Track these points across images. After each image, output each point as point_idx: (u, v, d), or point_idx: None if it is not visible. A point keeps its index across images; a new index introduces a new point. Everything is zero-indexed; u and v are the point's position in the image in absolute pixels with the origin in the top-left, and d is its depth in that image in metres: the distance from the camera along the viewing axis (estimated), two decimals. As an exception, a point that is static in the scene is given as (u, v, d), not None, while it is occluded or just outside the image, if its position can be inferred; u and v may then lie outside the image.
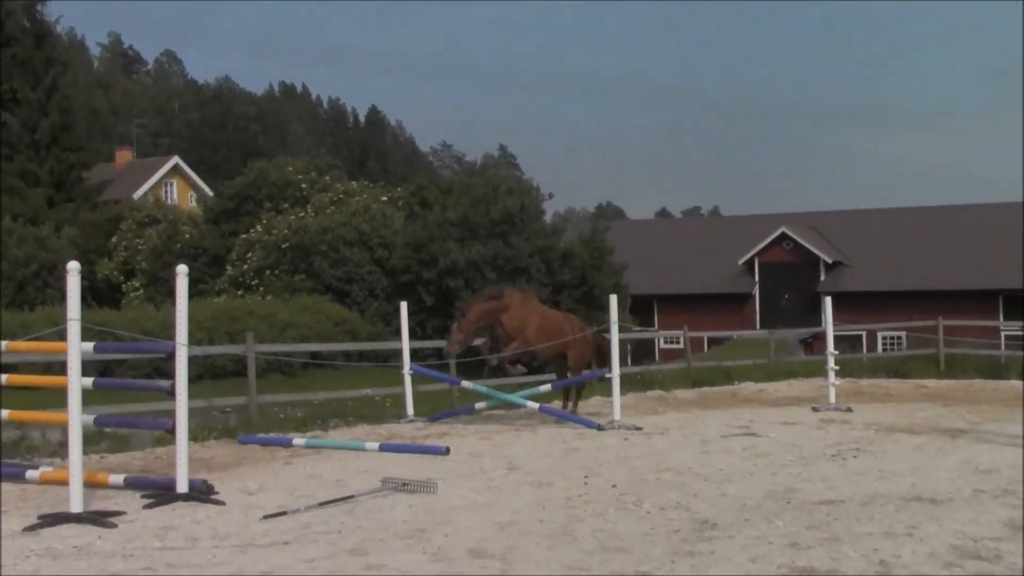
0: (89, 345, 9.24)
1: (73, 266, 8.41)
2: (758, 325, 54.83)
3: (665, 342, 52.12)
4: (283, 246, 38.30)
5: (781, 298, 57.70)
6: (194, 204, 57.95)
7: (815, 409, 15.68)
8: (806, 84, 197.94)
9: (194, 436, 11.89)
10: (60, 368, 8.91)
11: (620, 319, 14.81)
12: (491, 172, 52.89)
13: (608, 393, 14.71)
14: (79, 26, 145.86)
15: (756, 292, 58.73)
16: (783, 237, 58.12)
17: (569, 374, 15.40)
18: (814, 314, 52.57)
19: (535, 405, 14.58)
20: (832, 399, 16.02)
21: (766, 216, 63.61)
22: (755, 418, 14.65)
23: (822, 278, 57.21)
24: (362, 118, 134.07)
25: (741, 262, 58.81)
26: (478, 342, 15.23)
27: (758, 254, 58.71)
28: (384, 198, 42.40)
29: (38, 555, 7.08)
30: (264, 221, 40.06)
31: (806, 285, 57.27)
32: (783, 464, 10.40)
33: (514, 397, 14.93)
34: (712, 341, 45.42)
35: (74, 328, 8.37)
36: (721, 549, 6.89)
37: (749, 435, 12.66)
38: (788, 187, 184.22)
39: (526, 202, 37.87)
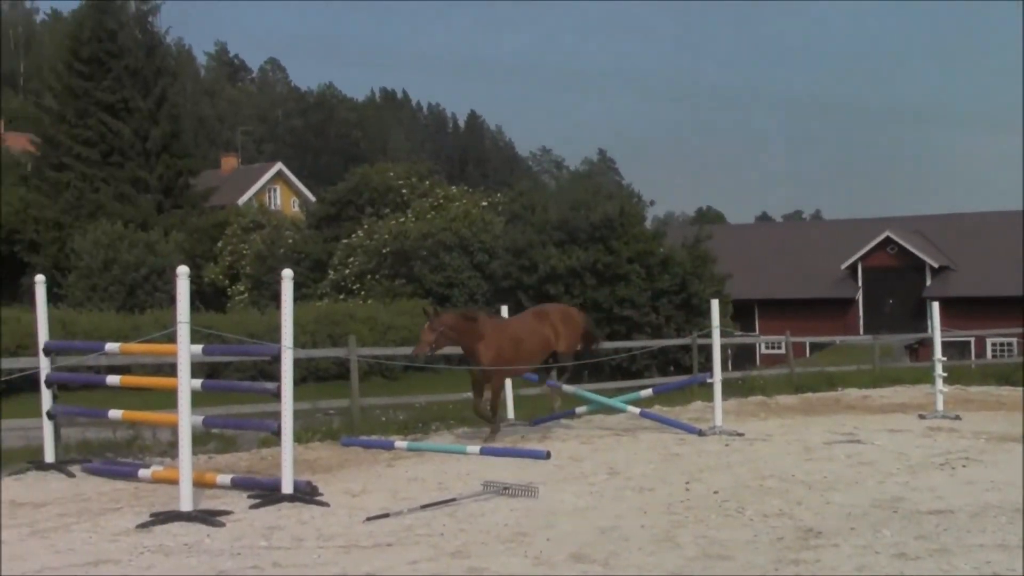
0: (198, 347, 9.45)
1: (182, 270, 8.61)
2: (861, 331, 53.81)
3: (766, 347, 51.46)
4: (384, 251, 38.71)
5: (885, 303, 56.58)
6: (297, 209, 58.88)
7: (922, 416, 15.34)
8: (911, 86, 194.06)
9: (298, 438, 12.07)
10: (170, 370, 9.12)
11: (721, 324, 14.62)
12: (591, 177, 52.76)
13: (710, 398, 14.58)
14: (187, 37, 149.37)
15: (859, 297, 57.66)
16: (887, 241, 56.98)
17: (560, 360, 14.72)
18: (919, 320, 51.43)
19: (636, 410, 14.51)
20: (940, 406, 15.66)
21: (870, 220, 62.37)
22: (860, 425, 14.40)
23: (928, 283, 55.96)
24: (462, 123, 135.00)
25: (844, 267, 57.81)
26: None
27: (861, 259, 57.64)
28: (484, 203, 42.60)
29: (151, 551, 7.26)
30: (365, 226, 40.54)
31: (911, 290, 56.08)
32: (889, 472, 10.20)
33: (614, 402, 14.88)
34: (814, 346, 44.70)
35: (184, 331, 8.56)
36: (826, 558, 6.79)
37: (854, 442, 12.45)
38: (893, 190, 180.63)
39: (626, 207, 37.72)
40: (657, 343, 29.27)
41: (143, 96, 49.44)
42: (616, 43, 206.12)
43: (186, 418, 8.58)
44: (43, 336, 11.05)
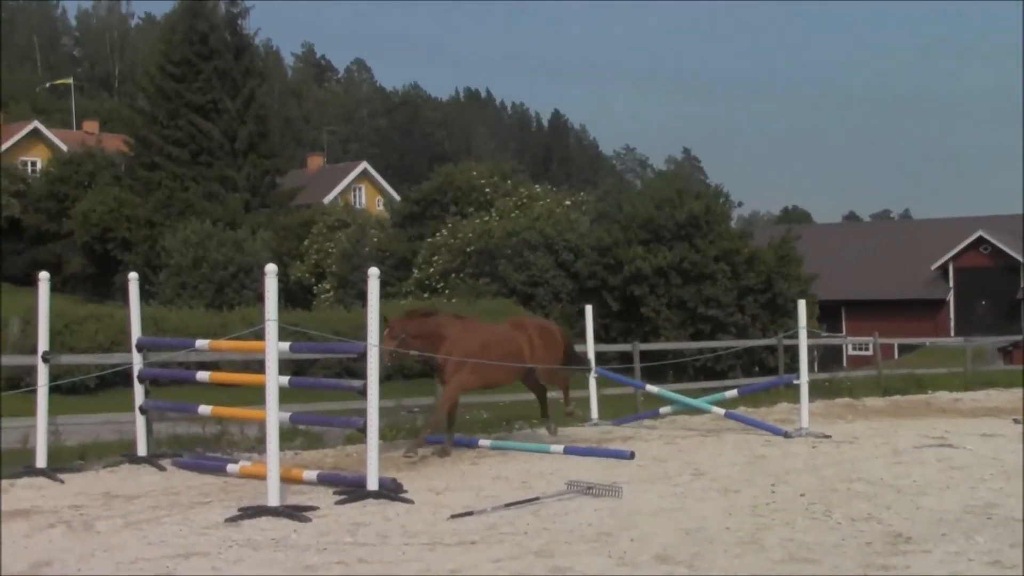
0: (285, 345, 9.57)
1: (270, 268, 8.72)
2: (952, 332, 52.76)
3: (853, 349, 50.68)
4: (468, 250, 38.84)
5: (978, 305, 55.38)
6: (381, 208, 59.32)
7: (1016, 421, 14.98)
8: (1002, 82, 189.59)
9: (383, 435, 12.17)
10: (258, 367, 9.25)
11: (807, 325, 14.43)
12: (676, 175, 52.42)
13: (795, 400, 14.40)
14: (275, 38, 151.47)
15: (950, 298, 56.54)
16: (980, 241, 55.78)
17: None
18: (1014, 321, 50.31)
19: (721, 411, 14.39)
20: (1035, 410, 15.30)
21: (962, 219, 61.09)
22: (951, 429, 14.11)
23: (1023, 284, 54.67)
24: (545, 122, 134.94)
25: (934, 267, 56.73)
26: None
27: (953, 259, 56.51)
28: (568, 202, 42.55)
29: (239, 545, 7.37)
30: (450, 225, 40.72)
31: (1005, 291, 54.84)
32: (982, 478, 9.97)
33: (699, 402, 14.77)
34: (903, 348, 43.93)
35: (272, 328, 8.68)
36: (917, 564, 6.66)
37: (945, 446, 12.20)
38: (986, 188, 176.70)
39: (712, 205, 37.40)
40: (742, 343, 28.99)
41: (231, 97, 50.25)
42: (700, 42, 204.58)
43: (274, 414, 8.70)
44: (136, 332, 11.29)
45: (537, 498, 8.84)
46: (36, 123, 59.33)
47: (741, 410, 15.45)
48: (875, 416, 16.34)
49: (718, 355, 29.61)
